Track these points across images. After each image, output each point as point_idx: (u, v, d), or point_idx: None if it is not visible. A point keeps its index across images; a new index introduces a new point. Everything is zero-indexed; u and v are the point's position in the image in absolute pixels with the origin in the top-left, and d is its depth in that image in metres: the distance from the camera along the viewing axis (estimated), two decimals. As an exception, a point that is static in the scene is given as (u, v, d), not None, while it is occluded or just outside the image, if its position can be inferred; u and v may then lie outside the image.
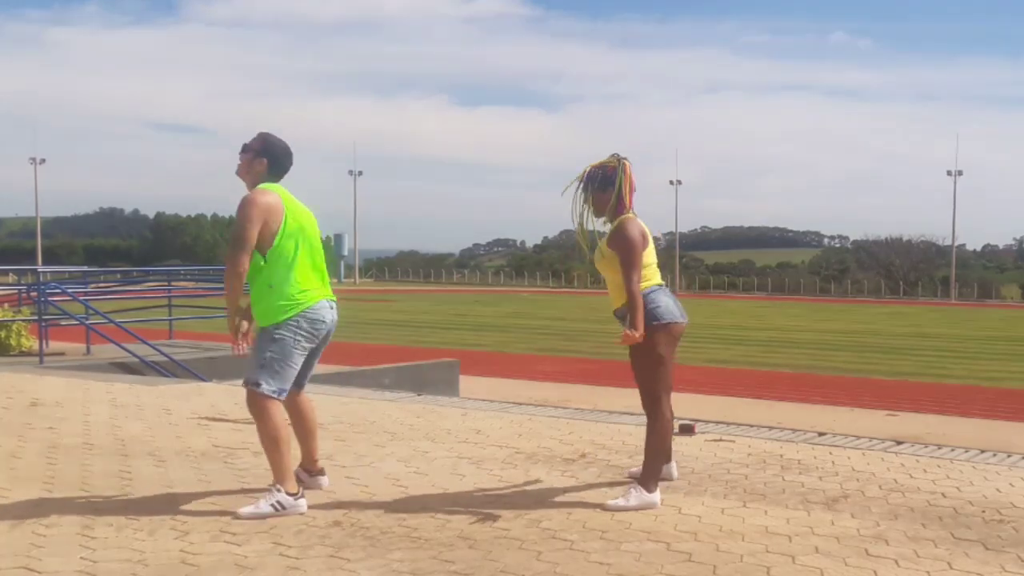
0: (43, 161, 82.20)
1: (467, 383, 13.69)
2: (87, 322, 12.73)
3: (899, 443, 6.22)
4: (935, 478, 5.21)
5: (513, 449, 5.98)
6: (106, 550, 3.87)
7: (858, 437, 6.51)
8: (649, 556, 3.83)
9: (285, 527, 4.20)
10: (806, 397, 15.53)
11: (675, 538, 4.08)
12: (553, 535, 4.11)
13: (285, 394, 4.55)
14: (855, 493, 4.88)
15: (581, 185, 4.82)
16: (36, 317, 12.31)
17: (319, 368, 5.24)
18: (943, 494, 4.86)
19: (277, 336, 4.49)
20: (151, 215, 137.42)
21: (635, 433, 6.41)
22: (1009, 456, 5.82)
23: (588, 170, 4.83)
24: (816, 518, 4.41)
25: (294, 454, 4.69)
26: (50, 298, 12.62)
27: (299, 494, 4.48)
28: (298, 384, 4.69)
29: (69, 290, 13.70)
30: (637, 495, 4.57)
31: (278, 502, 4.40)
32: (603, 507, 4.54)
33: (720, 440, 6.26)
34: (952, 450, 6.04)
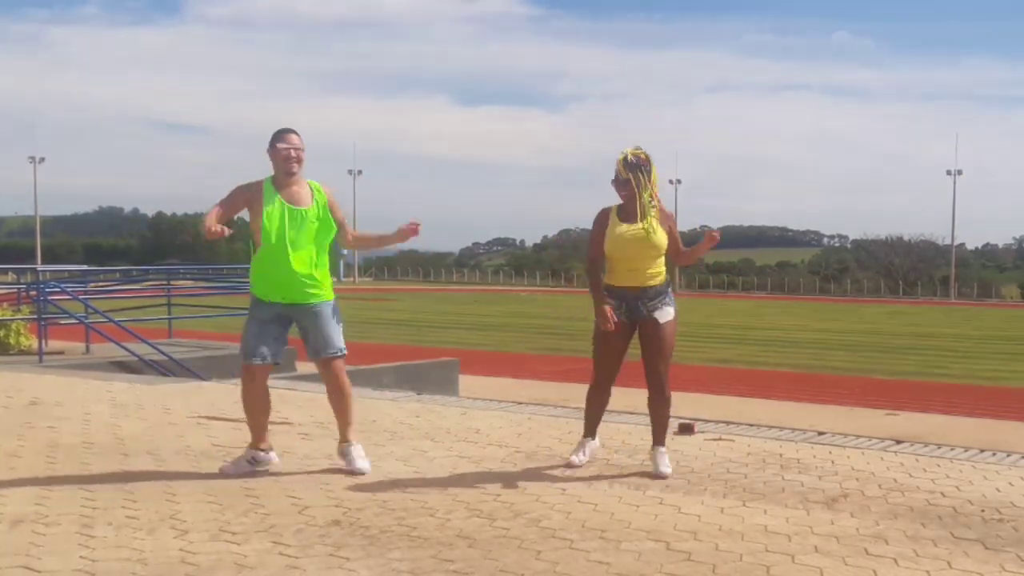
0: (43, 160, 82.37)
1: (467, 383, 13.68)
2: (87, 321, 12.73)
3: (899, 443, 6.22)
4: (935, 477, 5.21)
5: (513, 449, 5.98)
6: (106, 549, 3.87)
7: (858, 437, 6.51)
8: (648, 555, 3.83)
9: (285, 526, 4.20)
10: (806, 397, 15.54)
11: (675, 537, 4.08)
12: (552, 534, 4.11)
13: None
14: (855, 492, 4.88)
15: (647, 167, 5.16)
16: (36, 316, 12.31)
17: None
18: (943, 493, 4.87)
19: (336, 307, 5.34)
20: (151, 214, 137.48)
21: (635, 433, 6.41)
22: (1009, 456, 5.82)
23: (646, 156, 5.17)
24: (815, 517, 4.41)
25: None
26: (50, 297, 12.63)
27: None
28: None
29: (68, 289, 13.69)
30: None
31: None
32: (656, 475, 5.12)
33: (720, 439, 6.26)
34: (952, 450, 6.04)
